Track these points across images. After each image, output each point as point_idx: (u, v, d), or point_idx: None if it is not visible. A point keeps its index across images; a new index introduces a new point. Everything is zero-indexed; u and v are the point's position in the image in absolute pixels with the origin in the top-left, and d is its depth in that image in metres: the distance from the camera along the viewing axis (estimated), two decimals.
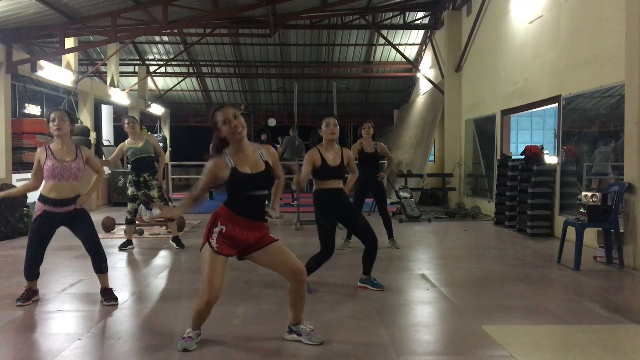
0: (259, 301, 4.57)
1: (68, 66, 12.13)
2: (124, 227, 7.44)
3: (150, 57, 18.64)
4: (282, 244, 3.47)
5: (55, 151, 4.40)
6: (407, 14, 15.36)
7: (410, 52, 17.69)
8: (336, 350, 3.42)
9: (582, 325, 3.90)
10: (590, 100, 7.64)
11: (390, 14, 15.29)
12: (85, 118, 13.00)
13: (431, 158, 14.82)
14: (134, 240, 7.35)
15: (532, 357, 3.30)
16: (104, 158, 10.86)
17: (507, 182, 9.02)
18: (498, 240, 8.01)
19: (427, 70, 16.24)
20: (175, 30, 13.56)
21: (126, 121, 7.13)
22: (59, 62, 12.18)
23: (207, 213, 3.52)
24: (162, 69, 19.14)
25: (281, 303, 4.30)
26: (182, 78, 20.19)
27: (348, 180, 5.38)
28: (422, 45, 17.17)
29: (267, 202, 3.53)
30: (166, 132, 20.84)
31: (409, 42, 17.35)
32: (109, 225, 8.69)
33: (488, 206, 10.74)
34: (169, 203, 7.30)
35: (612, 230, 5.90)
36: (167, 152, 17.83)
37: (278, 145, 12.91)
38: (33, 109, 15.01)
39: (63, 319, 4.21)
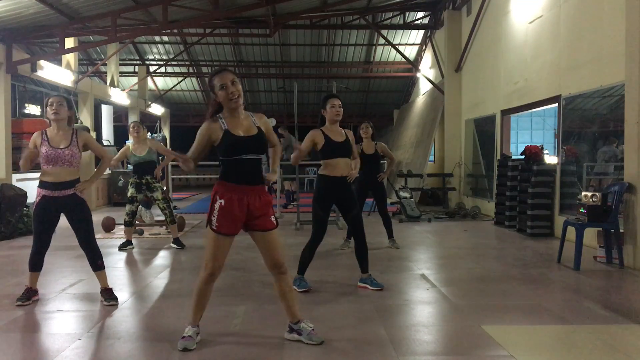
0: (259, 301, 4.57)
1: (68, 66, 12.13)
2: (124, 227, 7.44)
3: (150, 57, 18.64)
4: (277, 234, 3.51)
5: (50, 137, 4.40)
6: (407, 14, 15.37)
7: (410, 52, 17.69)
8: (336, 349, 3.42)
9: (582, 325, 3.90)
10: (590, 100, 7.64)
11: (390, 14, 15.30)
12: (85, 118, 13.00)
13: (431, 158, 14.82)
14: (133, 241, 7.35)
15: (532, 357, 3.30)
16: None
17: (507, 182, 9.02)
18: (498, 240, 8.01)
19: (427, 70, 16.24)
20: (175, 30, 13.57)
21: (131, 125, 7.19)
22: (59, 62, 12.19)
23: (207, 214, 3.53)
24: (162, 69, 19.15)
25: (281, 303, 4.29)
26: (182, 78, 20.20)
27: (355, 165, 5.19)
28: (422, 45, 17.18)
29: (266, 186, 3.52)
30: (166, 132, 20.85)
31: (409, 42, 17.36)
32: (108, 225, 8.69)
33: (488, 206, 10.74)
34: (170, 204, 7.31)
35: (612, 230, 5.90)
36: None
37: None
38: (33, 109, 15.02)
39: (63, 319, 4.21)
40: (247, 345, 3.55)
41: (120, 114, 20.67)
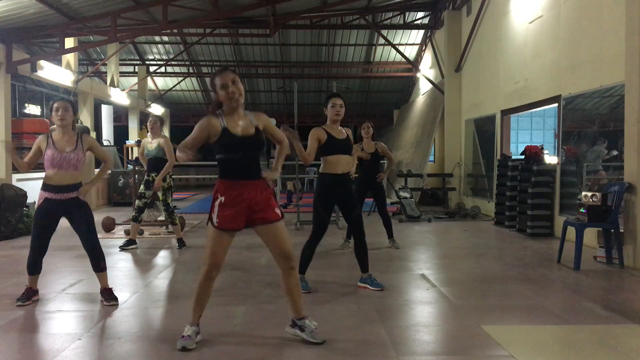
0: (259, 301, 4.57)
1: (68, 66, 12.13)
2: (124, 227, 7.44)
3: (150, 57, 18.65)
4: (282, 225, 3.49)
5: (56, 141, 4.42)
6: (407, 14, 15.38)
7: (410, 52, 17.70)
8: (336, 349, 3.42)
9: (582, 325, 3.90)
10: (590, 100, 7.64)
11: (390, 14, 15.30)
12: (85, 118, 13.00)
13: (431, 158, 14.82)
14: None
15: (532, 357, 3.30)
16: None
17: (507, 182, 9.02)
18: (498, 240, 8.01)
19: (427, 70, 16.24)
20: (175, 30, 13.58)
21: (150, 119, 7.28)
22: (59, 62, 12.19)
23: (207, 214, 3.53)
24: (162, 69, 19.16)
25: (281, 303, 4.29)
26: (182, 78, 20.21)
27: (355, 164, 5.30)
28: (422, 45, 17.18)
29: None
30: (166, 132, 20.83)
31: (409, 42, 17.36)
32: (108, 225, 8.68)
33: (488, 206, 10.74)
34: (169, 207, 7.31)
35: (612, 230, 5.90)
36: None
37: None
38: (33, 109, 15.04)
39: (63, 319, 4.20)
40: (247, 345, 3.55)
41: (120, 114, 20.69)
